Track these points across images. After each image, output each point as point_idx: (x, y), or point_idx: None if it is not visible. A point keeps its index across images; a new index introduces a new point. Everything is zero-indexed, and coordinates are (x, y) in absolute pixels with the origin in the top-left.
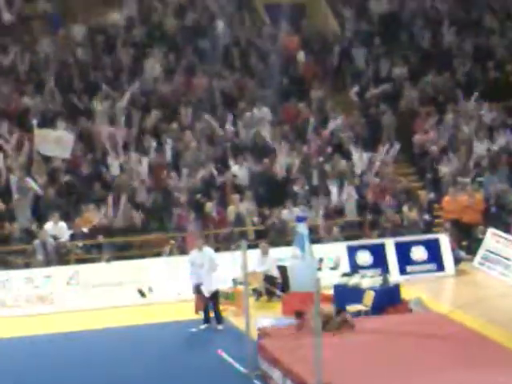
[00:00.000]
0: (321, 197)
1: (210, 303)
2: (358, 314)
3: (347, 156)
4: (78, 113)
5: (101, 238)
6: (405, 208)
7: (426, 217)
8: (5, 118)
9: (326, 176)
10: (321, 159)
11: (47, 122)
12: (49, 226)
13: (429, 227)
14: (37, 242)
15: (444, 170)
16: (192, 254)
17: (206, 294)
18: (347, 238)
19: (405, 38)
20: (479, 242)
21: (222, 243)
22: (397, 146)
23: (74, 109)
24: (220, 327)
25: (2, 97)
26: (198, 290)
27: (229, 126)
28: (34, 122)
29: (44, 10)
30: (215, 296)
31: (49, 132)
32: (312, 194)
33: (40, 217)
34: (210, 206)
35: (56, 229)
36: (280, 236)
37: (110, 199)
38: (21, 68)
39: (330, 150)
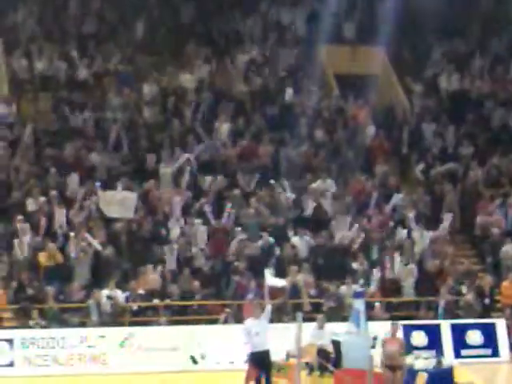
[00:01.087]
0: (378, 272)
1: (262, 374)
2: None
3: (408, 233)
4: (143, 173)
5: (157, 301)
6: (464, 290)
7: (486, 301)
8: (73, 173)
9: (386, 252)
10: (382, 235)
11: (112, 179)
12: (105, 292)
13: (487, 312)
14: (91, 301)
15: (505, 253)
16: (248, 323)
17: None
18: (403, 318)
19: (473, 117)
20: None
21: (277, 314)
22: (449, 216)
23: (140, 168)
24: None
25: (71, 152)
26: (251, 359)
27: (291, 196)
28: (97, 184)
29: (116, 69)
30: (268, 367)
31: (113, 194)
32: (371, 270)
33: (99, 277)
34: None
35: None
36: (336, 311)
37: (169, 264)
38: (89, 124)
39: (391, 225)
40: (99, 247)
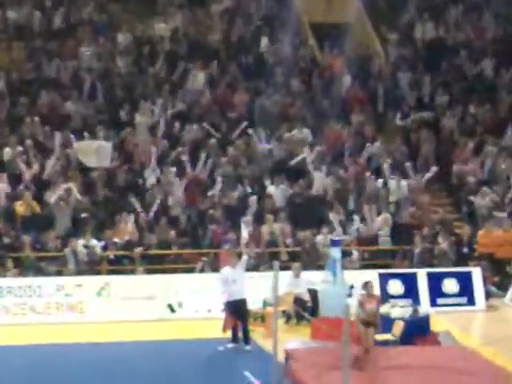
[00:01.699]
0: (356, 223)
1: (239, 322)
2: (385, 343)
3: (384, 182)
4: (119, 122)
5: (134, 251)
6: (439, 239)
7: (465, 250)
8: (47, 123)
9: (362, 202)
10: (357, 184)
11: (88, 128)
12: (81, 241)
13: (465, 260)
14: (67, 250)
15: (479, 202)
16: (224, 271)
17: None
18: (379, 266)
19: (448, 66)
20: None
21: (254, 263)
22: (434, 169)
23: (115, 118)
24: (247, 348)
25: (45, 102)
26: (228, 307)
27: (267, 145)
28: (72, 136)
29: (90, 18)
30: (245, 315)
31: (89, 144)
32: (347, 220)
33: (77, 226)
34: (245, 225)
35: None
36: (311, 259)
37: (144, 213)
38: (64, 74)
39: (367, 175)
40: (79, 196)
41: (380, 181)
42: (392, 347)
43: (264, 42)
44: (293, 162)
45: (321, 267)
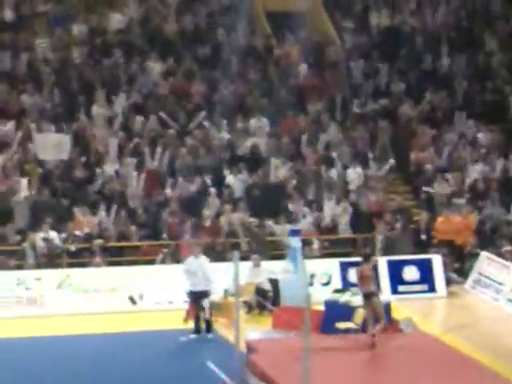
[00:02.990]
0: (315, 212)
1: (201, 313)
2: (347, 331)
3: (342, 171)
4: (76, 114)
5: (94, 243)
6: (397, 226)
7: (423, 237)
8: (3, 116)
9: (321, 191)
10: (316, 174)
11: (44, 121)
12: (40, 234)
13: (424, 248)
14: (26, 244)
15: (437, 190)
16: (187, 262)
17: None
18: (339, 255)
19: (404, 54)
20: (471, 264)
21: (215, 253)
22: (391, 161)
23: (72, 110)
24: (209, 336)
25: (2, 95)
26: (191, 297)
27: (225, 136)
28: (33, 126)
29: (45, 9)
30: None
31: (48, 136)
32: (306, 209)
33: (36, 219)
34: (204, 215)
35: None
36: (263, 249)
37: (103, 205)
38: (19, 67)
39: (324, 164)
40: (26, 192)
41: (338, 169)
42: (354, 335)
43: (220, 31)
44: (245, 150)
45: (276, 257)
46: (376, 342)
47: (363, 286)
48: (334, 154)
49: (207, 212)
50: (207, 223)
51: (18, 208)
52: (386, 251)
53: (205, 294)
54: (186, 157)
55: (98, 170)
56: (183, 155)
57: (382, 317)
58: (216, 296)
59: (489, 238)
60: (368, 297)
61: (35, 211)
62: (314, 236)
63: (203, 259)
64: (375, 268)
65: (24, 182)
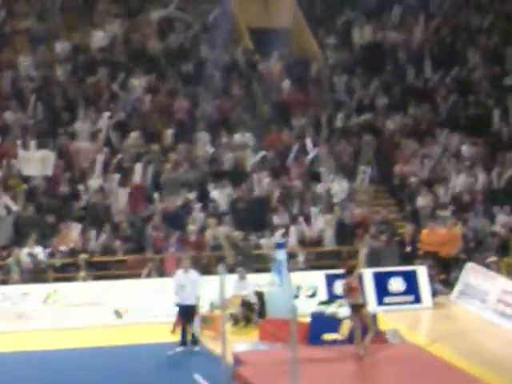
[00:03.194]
0: (299, 225)
1: (188, 326)
2: (334, 342)
3: (327, 184)
4: (59, 131)
5: (79, 258)
6: (382, 238)
7: (408, 249)
8: None
9: (305, 205)
10: (300, 187)
11: (27, 138)
12: (25, 250)
13: (409, 259)
14: (10, 260)
15: (422, 202)
16: (177, 275)
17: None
18: (325, 267)
19: (387, 69)
20: (457, 275)
21: (201, 266)
22: (369, 170)
23: (55, 126)
24: (196, 348)
25: None
26: (179, 310)
27: (210, 150)
28: (19, 142)
29: (27, 27)
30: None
31: (33, 153)
32: (291, 223)
33: (20, 235)
34: (190, 230)
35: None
36: (248, 261)
37: (88, 220)
38: (3, 84)
39: (309, 178)
40: (14, 207)
41: (323, 183)
42: (340, 346)
43: (203, 48)
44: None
45: (262, 270)
46: (367, 353)
47: (351, 297)
48: (319, 168)
49: (192, 227)
50: (192, 237)
51: (2, 224)
52: (372, 263)
53: (193, 309)
54: (171, 172)
55: (81, 187)
56: (167, 170)
57: (370, 327)
58: (202, 309)
59: (473, 249)
60: (356, 308)
61: (20, 227)
62: (299, 249)
63: (195, 275)
64: (360, 280)
65: (7, 198)
